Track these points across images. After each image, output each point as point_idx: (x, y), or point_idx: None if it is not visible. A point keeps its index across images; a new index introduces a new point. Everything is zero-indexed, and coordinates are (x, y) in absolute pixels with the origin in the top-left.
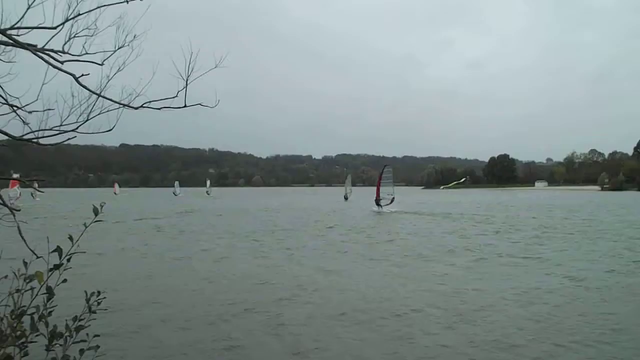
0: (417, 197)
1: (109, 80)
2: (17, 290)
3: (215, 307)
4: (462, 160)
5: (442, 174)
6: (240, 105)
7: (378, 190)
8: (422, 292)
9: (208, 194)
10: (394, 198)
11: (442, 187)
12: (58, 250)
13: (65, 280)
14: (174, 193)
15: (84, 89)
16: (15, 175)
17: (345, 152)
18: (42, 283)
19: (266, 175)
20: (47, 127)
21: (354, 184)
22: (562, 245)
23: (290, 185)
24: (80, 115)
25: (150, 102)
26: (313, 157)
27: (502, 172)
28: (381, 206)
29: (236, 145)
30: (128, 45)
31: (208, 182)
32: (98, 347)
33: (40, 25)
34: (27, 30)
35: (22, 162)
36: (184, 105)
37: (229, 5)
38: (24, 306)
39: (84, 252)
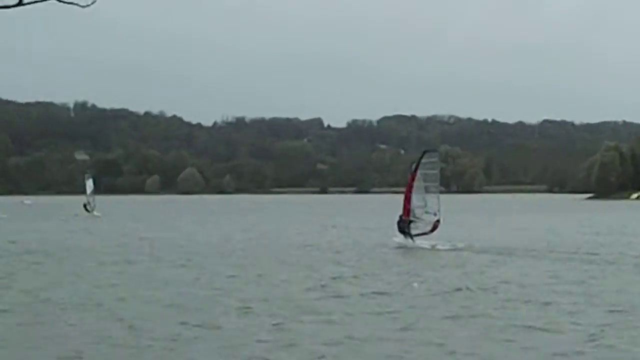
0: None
1: None
2: None
3: None
4: None
5: (633, 161)
6: (150, 8)
7: (408, 200)
8: None
9: (88, 210)
10: (439, 220)
11: (635, 194)
12: None
13: None
14: None
15: None
16: None
17: (401, 111)
18: None
19: (211, 167)
20: None
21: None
22: None
23: (270, 190)
24: None
25: None
26: (325, 124)
27: None
28: (411, 235)
29: (140, 99)
30: None
31: (89, 183)
32: None
33: None
34: None
35: None
36: (17, 1)
37: None
38: None
39: None
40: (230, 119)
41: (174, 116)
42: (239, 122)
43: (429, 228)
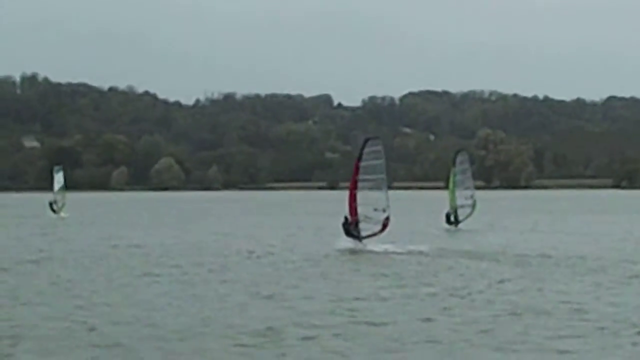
0: None
1: None
2: None
3: None
4: None
5: None
6: None
7: (353, 198)
8: None
9: (54, 210)
10: (388, 217)
11: None
12: None
13: None
14: None
15: None
16: None
17: (430, 86)
18: None
19: (193, 156)
20: None
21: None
22: None
23: (266, 186)
24: None
25: None
26: (334, 102)
27: None
28: (360, 236)
29: (104, 71)
30: None
31: (58, 177)
32: None
33: None
34: None
35: None
36: None
37: None
38: None
39: None
40: (216, 96)
41: (146, 93)
42: (228, 100)
43: (379, 228)
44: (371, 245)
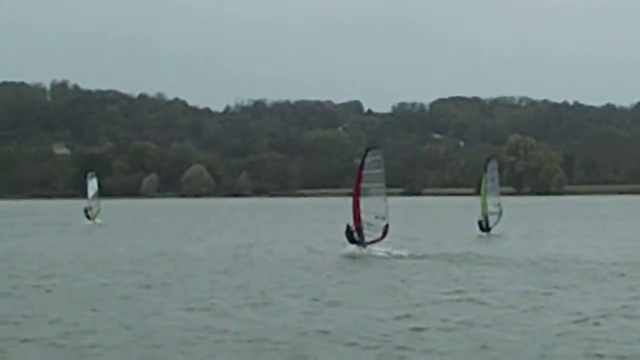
0: None
1: None
2: None
3: None
4: None
5: None
6: None
7: (356, 205)
8: None
9: (89, 217)
10: (387, 225)
11: None
12: None
13: None
14: None
15: None
16: None
17: (461, 92)
18: None
19: (223, 163)
20: None
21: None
22: None
23: (296, 192)
24: None
25: None
26: (364, 109)
27: None
28: (364, 242)
29: (134, 78)
30: None
31: (92, 184)
32: None
33: None
34: None
35: None
36: None
37: None
38: None
39: None
40: (246, 103)
41: (176, 100)
42: (258, 107)
43: (380, 234)
44: (375, 250)
